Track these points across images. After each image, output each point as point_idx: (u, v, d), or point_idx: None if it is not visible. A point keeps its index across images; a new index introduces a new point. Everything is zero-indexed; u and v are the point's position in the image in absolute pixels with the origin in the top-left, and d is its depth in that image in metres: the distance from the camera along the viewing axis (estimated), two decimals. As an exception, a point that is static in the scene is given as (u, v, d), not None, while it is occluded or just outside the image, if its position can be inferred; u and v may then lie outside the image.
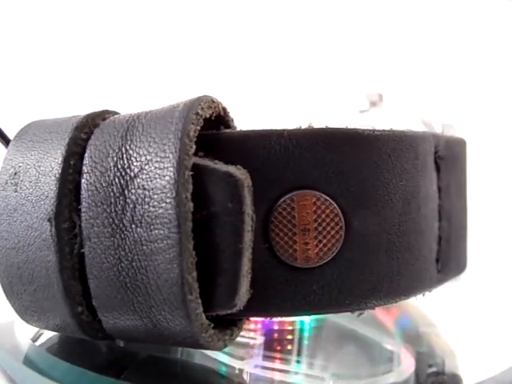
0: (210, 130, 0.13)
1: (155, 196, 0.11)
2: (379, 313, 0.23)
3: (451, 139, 0.17)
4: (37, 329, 0.15)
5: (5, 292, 0.13)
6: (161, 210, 0.11)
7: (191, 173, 0.11)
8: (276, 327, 0.20)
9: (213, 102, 0.13)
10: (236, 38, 0.36)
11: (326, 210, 0.13)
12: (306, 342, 0.19)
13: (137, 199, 0.11)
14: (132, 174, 0.11)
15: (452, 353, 0.19)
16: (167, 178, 0.11)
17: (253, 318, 0.19)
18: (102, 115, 0.13)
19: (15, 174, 0.13)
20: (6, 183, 0.13)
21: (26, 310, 0.13)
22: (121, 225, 0.11)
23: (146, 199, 0.11)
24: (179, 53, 0.35)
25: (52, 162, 0.12)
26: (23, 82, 0.32)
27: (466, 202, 0.18)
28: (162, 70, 0.34)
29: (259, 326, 0.19)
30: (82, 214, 0.12)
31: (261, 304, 0.13)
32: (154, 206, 0.11)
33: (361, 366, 0.18)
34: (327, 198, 0.13)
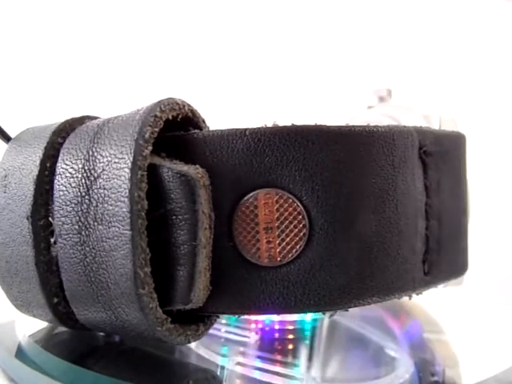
0: (178, 132, 0.13)
1: (113, 195, 0.12)
2: (387, 316, 0.22)
3: (443, 134, 0.16)
4: (37, 328, 0.16)
5: (1, 283, 0.14)
6: (117, 209, 0.12)
7: (145, 173, 0.12)
8: (277, 326, 0.20)
9: (177, 104, 0.13)
10: (242, 34, 0.36)
11: (288, 209, 0.13)
12: (299, 342, 0.19)
13: (98, 198, 0.12)
14: (96, 175, 0.12)
15: (455, 361, 0.18)
16: (122, 178, 0.12)
17: (248, 317, 0.19)
18: (81, 120, 0.14)
19: (5, 176, 0.14)
20: (1, 186, 0.14)
21: (16, 300, 0.14)
22: (86, 222, 0.12)
23: (106, 198, 0.12)
24: (179, 53, 0.36)
25: (32, 165, 0.13)
26: (27, 84, 0.34)
27: (463, 201, 0.17)
28: (162, 71, 0.35)
29: (253, 325, 0.19)
30: (54, 213, 0.13)
31: (224, 302, 0.13)
32: (111, 205, 0.12)
33: (354, 369, 0.18)
34: (290, 196, 0.13)
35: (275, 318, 0.20)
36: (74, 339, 0.16)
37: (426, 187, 0.15)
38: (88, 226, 0.12)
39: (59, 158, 0.13)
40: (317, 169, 0.13)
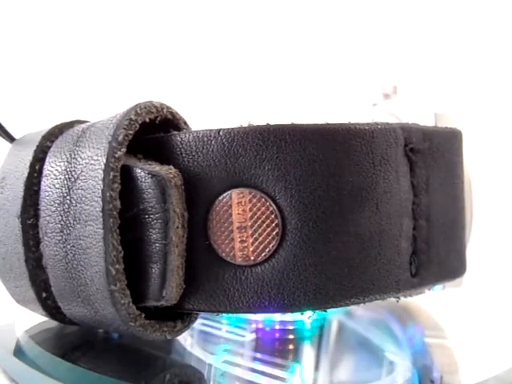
0: (158, 134, 0.14)
1: (88, 195, 0.12)
2: (390, 319, 0.22)
3: (432, 130, 0.15)
4: (37, 327, 0.17)
5: (1, 279, 0.16)
6: (91, 208, 0.12)
7: (118, 174, 0.12)
8: (278, 327, 0.20)
9: (154, 107, 0.13)
10: (249, 31, 0.36)
11: (261, 208, 0.13)
12: (297, 343, 0.19)
13: (77, 198, 0.13)
14: (76, 176, 0.13)
15: (454, 367, 0.17)
16: (96, 178, 0.12)
17: (244, 315, 0.20)
18: (71, 124, 0.15)
19: (3, 178, 0.15)
20: (-2, 187, 0.15)
21: (14, 295, 0.15)
22: (67, 222, 0.13)
23: (83, 198, 0.12)
24: (179, 53, 0.36)
25: (23, 168, 0.14)
26: (32, 86, 0.34)
27: (459, 199, 0.16)
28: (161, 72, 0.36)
29: (251, 324, 0.19)
30: (40, 213, 0.13)
31: (200, 300, 0.13)
32: (87, 205, 0.12)
33: (348, 371, 0.18)
34: (263, 195, 0.13)
35: (276, 318, 0.21)
36: (74, 338, 0.16)
37: (413, 185, 0.14)
38: (69, 225, 0.13)
39: (46, 161, 0.14)
40: (290, 168, 0.13)
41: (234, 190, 0.13)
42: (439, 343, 0.19)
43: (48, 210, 0.13)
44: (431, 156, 0.15)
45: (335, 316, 0.21)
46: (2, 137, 0.16)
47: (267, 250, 0.13)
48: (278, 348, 0.18)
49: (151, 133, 0.14)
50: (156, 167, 0.12)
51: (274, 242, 0.13)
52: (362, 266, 0.13)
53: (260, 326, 0.20)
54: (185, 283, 0.13)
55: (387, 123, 0.14)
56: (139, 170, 0.12)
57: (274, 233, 0.13)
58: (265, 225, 0.13)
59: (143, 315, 0.13)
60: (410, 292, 0.14)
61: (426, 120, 0.19)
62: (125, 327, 0.12)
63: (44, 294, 0.14)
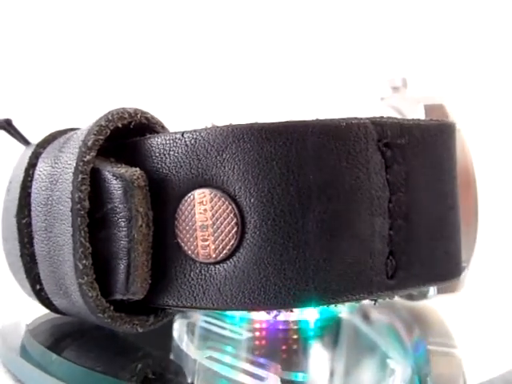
0: (134, 138, 0.15)
1: (63, 196, 0.13)
2: (399, 324, 0.21)
3: (413, 124, 0.14)
4: (43, 329, 0.17)
5: (11, 272, 0.17)
6: (64, 209, 0.13)
7: (86, 176, 0.13)
8: (281, 326, 0.20)
9: (127, 113, 0.14)
10: (256, 28, 0.36)
11: (221, 207, 0.13)
12: (294, 343, 0.19)
13: (56, 200, 0.14)
14: (56, 179, 0.14)
15: (456, 381, 0.16)
16: (67, 181, 0.13)
17: (241, 313, 0.20)
18: (65, 132, 0.16)
19: (10, 182, 0.17)
20: (7, 189, 0.17)
21: (21, 287, 0.17)
22: (50, 221, 0.14)
23: (59, 200, 0.14)
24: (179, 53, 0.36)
25: (20, 172, 0.16)
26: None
27: (449, 196, 0.15)
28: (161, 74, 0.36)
29: (257, 324, 0.19)
30: (32, 213, 0.15)
31: (168, 295, 0.14)
32: (62, 205, 0.13)
33: (340, 375, 0.17)
34: (223, 194, 0.13)
35: (280, 317, 0.21)
36: (76, 338, 0.17)
37: (389, 182, 0.14)
38: (51, 224, 0.14)
39: (37, 166, 0.15)
40: (248, 167, 0.13)
41: (196, 190, 0.13)
42: (446, 352, 0.18)
43: (36, 210, 0.15)
44: (411, 151, 0.14)
45: (341, 317, 0.21)
46: (19, 141, 0.18)
47: (227, 248, 0.13)
48: (269, 347, 0.18)
49: (131, 137, 0.15)
50: (121, 169, 0.13)
51: (233, 241, 0.13)
52: (325, 266, 0.13)
53: (264, 325, 0.20)
54: (155, 279, 0.14)
55: (356, 118, 0.14)
56: (107, 173, 0.13)
57: (233, 231, 0.13)
58: (224, 224, 0.13)
59: (112, 307, 0.13)
60: (387, 295, 0.14)
61: (417, 113, 0.18)
62: (94, 318, 0.13)
63: (38, 287, 0.15)
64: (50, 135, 0.16)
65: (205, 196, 0.13)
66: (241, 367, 0.16)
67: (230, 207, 0.13)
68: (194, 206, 0.13)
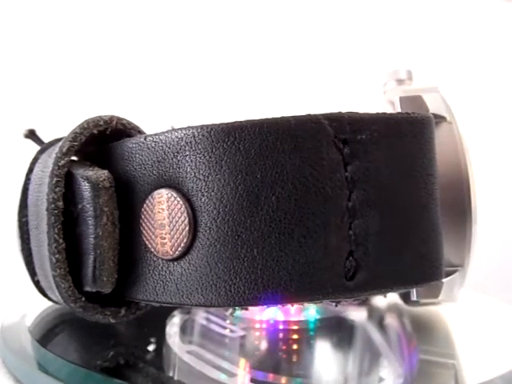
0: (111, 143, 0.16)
1: (43, 198, 0.15)
2: (401, 330, 0.20)
3: (376, 118, 0.14)
4: (44, 330, 0.18)
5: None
6: (44, 208, 0.15)
7: (61, 179, 0.14)
8: (281, 326, 0.20)
9: (103, 120, 0.15)
10: (247, 27, 0.35)
11: (176, 207, 0.14)
12: (285, 343, 0.19)
13: (40, 200, 0.15)
14: (42, 181, 0.16)
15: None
16: (45, 184, 0.15)
17: (239, 312, 0.20)
18: (61, 139, 0.18)
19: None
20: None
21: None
22: (38, 220, 0.16)
23: (42, 200, 0.15)
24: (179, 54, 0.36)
25: (24, 176, 0.18)
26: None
27: (424, 193, 0.14)
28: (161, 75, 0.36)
29: (257, 324, 0.20)
30: (28, 212, 0.17)
31: (135, 290, 0.15)
32: (42, 206, 0.15)
33: (328, 375, 0.17)
34: (178, 195, 0.14)
35: (279, 317, 0.21)
36: (77, 338, 0.18)
37: (347, 180, 0.13)
38: (38, 222, 0.16)
39: (33, 170, 0.17)
40: (200, 168, 0.13)
41: (156, 191, 0.14)
42: (444, 362, 0.17)
43: (30, 210, 0.16)
44: (374, 146, 0.13)
45: (341, 318, 0.20)
46: (38, 144, 0.20)
47: (181, 246, 0.14)
48: (257, 346, 0.18)
49: (111, 142, 0.16)
50: (90, 172, 0.14)
51: (186, 240, 0.13)
52: (274, 265, 0.13)
53: (264, 325, 0.20)
54: (124, 274, 0.15)
55: (309, 114, 0.13)
56: (78, 176, 0.14)
57: (186, 230, 0.13)
58: (179, 222, 0.14)
59: (83, 298, 0.15)
60: (346, 296, 0.13)
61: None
62: (68, 307, 0.15)
63: (36, 278, 0.17)
64: (48, 142, 0.18)
65: (162, 196, 0.14)
66: (217, 364, 0.16)
67: (184, 207, 0.14)
68: (154, 205, 0.14)
